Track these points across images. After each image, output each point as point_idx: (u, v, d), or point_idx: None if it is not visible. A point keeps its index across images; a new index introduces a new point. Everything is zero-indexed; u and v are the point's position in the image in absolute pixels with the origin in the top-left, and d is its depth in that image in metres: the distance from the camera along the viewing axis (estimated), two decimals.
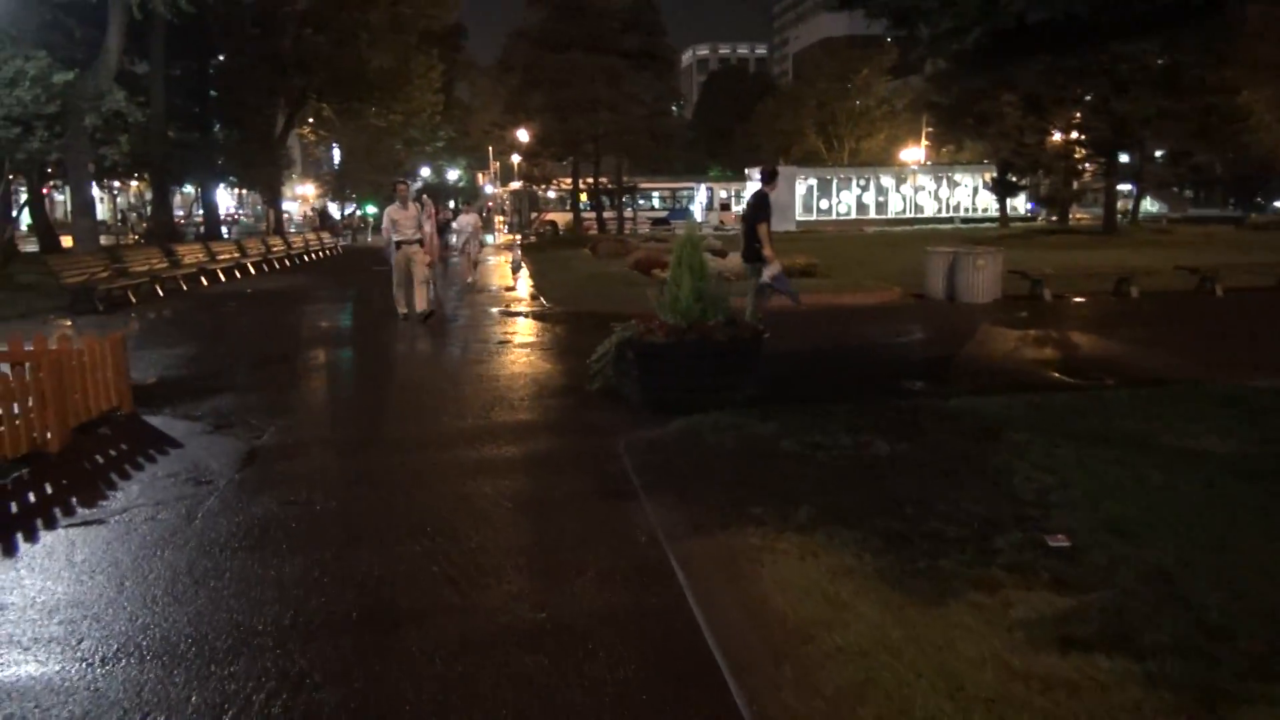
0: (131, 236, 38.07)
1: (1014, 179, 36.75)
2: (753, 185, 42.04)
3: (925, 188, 45.82)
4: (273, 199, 36.06)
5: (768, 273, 9.79)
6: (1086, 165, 33.16)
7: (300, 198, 62.61)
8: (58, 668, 3.04)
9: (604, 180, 39.70)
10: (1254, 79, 28.95)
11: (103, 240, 27.31)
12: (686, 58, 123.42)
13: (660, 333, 6.56)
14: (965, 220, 43.62)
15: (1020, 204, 44.71)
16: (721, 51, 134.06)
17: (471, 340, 10.48)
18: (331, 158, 52.86)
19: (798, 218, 41.71)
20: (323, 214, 48.76)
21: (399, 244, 11.66)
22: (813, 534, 3.98)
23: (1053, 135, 31.96)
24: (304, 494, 4.83)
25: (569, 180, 40.70)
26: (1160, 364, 8.35)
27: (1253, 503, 4.29)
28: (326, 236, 32.19)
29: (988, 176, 41.51)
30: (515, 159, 44.88)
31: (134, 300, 14.44)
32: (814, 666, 2.91)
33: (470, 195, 50.16)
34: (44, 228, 26.73)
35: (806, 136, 59.77)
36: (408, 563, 3.90)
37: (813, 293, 12.65)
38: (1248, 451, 5.12)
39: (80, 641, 3.22)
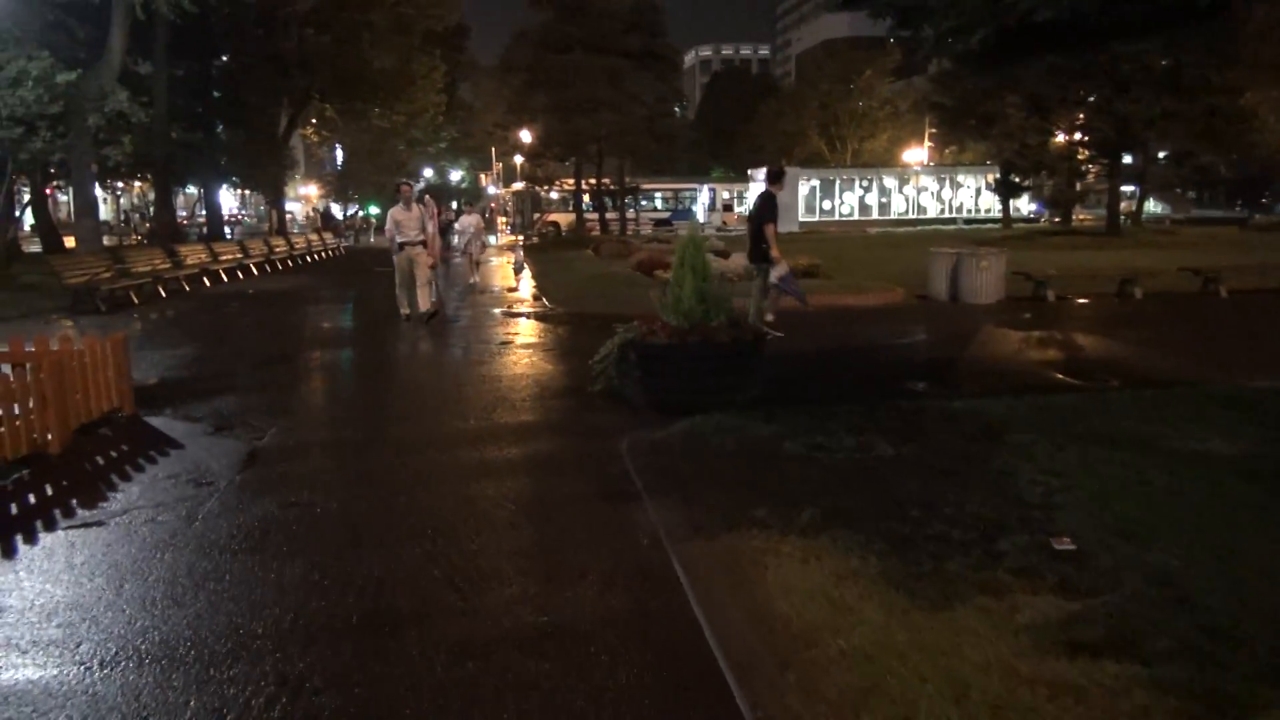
0: (134, 237, 38.14)
1: (1017, 180, 36.68)
2: (755, 186, 42.19)
3: (928, 189, 45.78)
4: (275, 199, 36.10)
5: (775, 274, 9.77)
6: (1090, 166, 33.10)
7: (304, 198, 62.70)
8: (55, 671, 3.01)
9: (606, 181, 39.69)
10: (1257, 80, 28.88)
11: (106, 240, 27.36)
12: (689, 58, 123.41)
13: (663, 334, 6.53)
14: (968, 221, 43.56)
15: (1023, 205, 44.65)
16: (724, 52, 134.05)
17: (474, 341, 10.46)
18: (334, 158, 52.93)
19: (800, 219, 41.69)
20: (325, 214, 48.80)
21: (402, 245, 11.65)
22: (816, 537, 3.95)
23: (1056, 136, 31.91)
24: (305, 496, 4.81)
25: (571, 181, 40.71)
26: (1164, 365, 8.31)
27: (1259, 505, 4.26)
28: (329, 237, 32.21)
29: (990, 178, 41.45)
30: (518, 160, 44.92)
31: (136, 301, 14.43)
32: (818, 671, 2.89)
33: (473, 196, 50.17)
34: (47, 228, 26.76)
35: (809, 138, 59.74)
36: (409, 565, 3.87)
37: (816, 293, 12.61)
38: (1253, 453, 5.09)
39: (79, 645, 3.20)
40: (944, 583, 3.48)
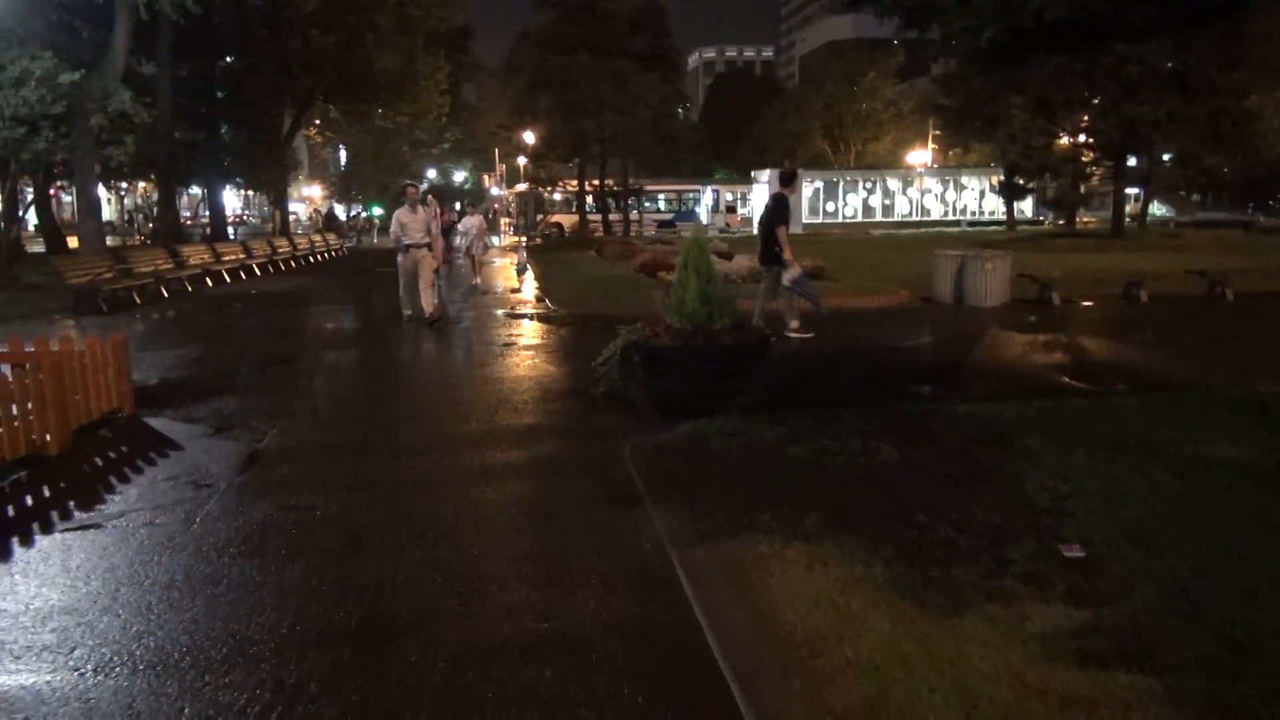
0: (138, 237, 38.18)
1: (1021, 182, 36.58)
2: (759, 188, 42.22)
3: (932, 191, 45.72)
4: (279, 200, 36.09)
5: (788, 276, 9.72)
6: (1094, 169, 32.99)
7: (307, 199, 62.74)
8: (49, 678, 2.97)
9: (610, 182, 39.64)
10: (1263, 82, 28.78)
11: (109, 241, 27.35)
12: (693, 60, 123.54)
13: (666, 336, 6.48)
14: (972, 223, 43.47)
15: (1027, 207, 44.53)
16: (728, 54, 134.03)
17: (476, 343, 10.42)
18: (338, 159, 52.96)
19: (804, 220, 41.65)
20: (329, 215, 48.81)
21: (407, 247, 11.60)
22: (822, 542, 3.90)
23: (1061, 138, 31.81)
24: (305, 498, 4.76)
25: (575, 182, 40.67)
26: (1171, 369, 8.24)
27: (1271, 511, 4.19)
28: (332, 238, 32.20)
29: (994, 180, 41.35)
30: (521, 161, 44.87)
31: (138, 301, 14.41)
32: (824, 681, 2.83)
33: (476, 197, 50.16)
34: (50, 228, 26.78)
35: (813, 139, 59.66)
36: (409, 570, 3.82)
37: (820, 295, 12.54)
38: (1263, 458, 5.03)
39: (73, 650, 3.15)
40: (951, 590, 3.42)
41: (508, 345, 10.08)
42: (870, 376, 8.27)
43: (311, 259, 26.57)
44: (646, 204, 45.24)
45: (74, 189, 22.93)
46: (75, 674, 2.99)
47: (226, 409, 6.87)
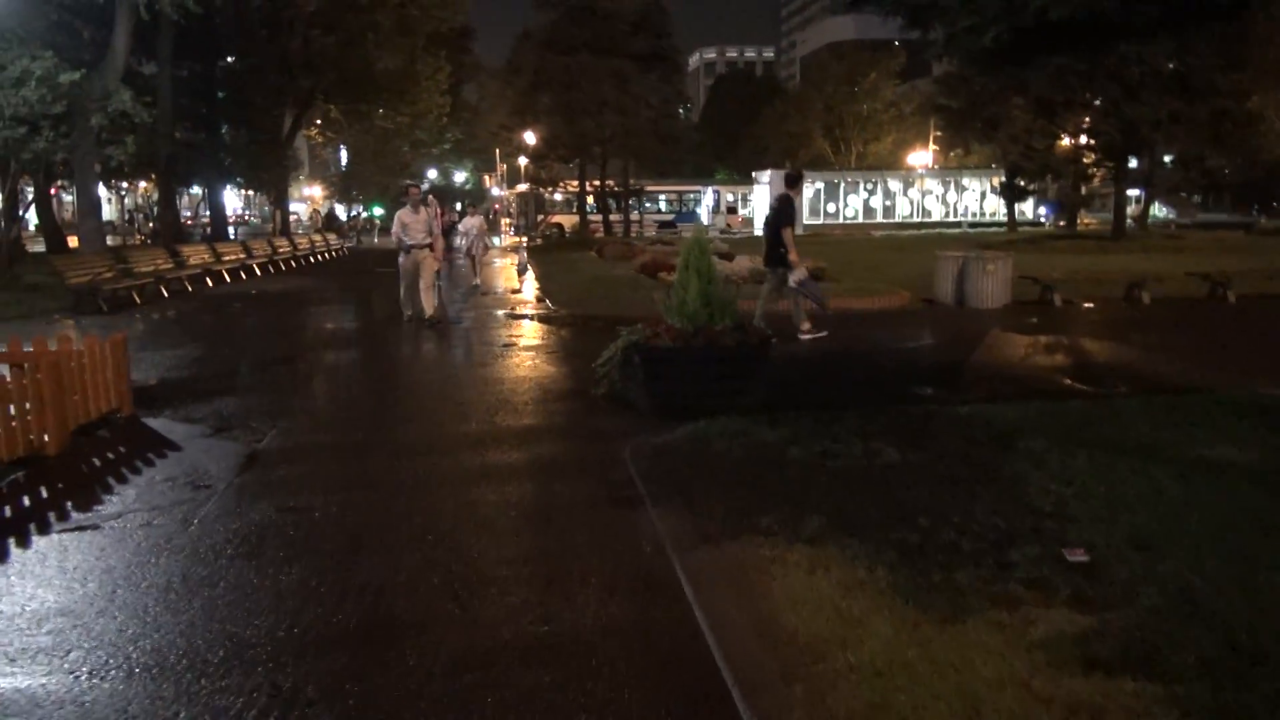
0: (138, 237, 38.17)
1: (1022, 183, 36.54)
2: (760, 189, 42.19)
3: (933, 192, 45.69)
4: (279, 200, 36.07)
5: (794, 278, 9.70)
6: (1096, 170, 32.95)
7: (308, 199, 62.74)
8: (43, 680, 2.94)
9: (610, 183, 39.62)
10: (1265, 83, 28.74)
11: (110, 241, 27.33)
12: (694, 61, 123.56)
13: (667, 337, 6.46)
14: (973, 225, 43.44)
15: (1028, 208, 44.49)
16: (729, 55, 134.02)
17: (476, 343, 10.40)
18: (339, 159, 52.94)
19: (805, 221, 41.59)
20: (329, 215, 48.79)
21: (409, 248, 11.54)
22: (824, 546, 3.87)
23: (1062, 139, 31.77)
24: (303, 500, 4.74)
25: (575, 183, 40.65)
26: (1174, 371, 8.22)
27: (1275, 514, 4.16)
28: (333, 238, 32.19)
29: (995, 181, 41.33)
30: (522, 161, 44.86)
31: (138, 301, 14.39)
32: (826, 687, 2.80)
33: (476, 197, 50.16)
34: (51, 228, 26.76)
35: (814, 140, 59.64)
36: (408, 572, 3.80)
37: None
38: (1267, 461, 5.00)
39: (68, 652, 3.12)
40: (955, 595, 3.39)
41: (508, 346, 10.05)
42: (871, 378, 8.24)
43: (312, 259, 26.55)
44: (647, 205, 45.23)
45: (74, 189, 22.90)
46: (71, 677, 2.96)
47: (226, 409, 6.85)
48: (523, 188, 46.97)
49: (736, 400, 6.27)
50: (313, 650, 3.13)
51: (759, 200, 42.71)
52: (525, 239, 34.51)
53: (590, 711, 2.76)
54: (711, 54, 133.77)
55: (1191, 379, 7.68)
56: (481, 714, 2.75)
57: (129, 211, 51.17)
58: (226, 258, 20.12)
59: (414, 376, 8.80)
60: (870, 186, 45.54)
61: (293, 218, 44.60)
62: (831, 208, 44.58)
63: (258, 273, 20.92)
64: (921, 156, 53.74)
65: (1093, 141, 30.29)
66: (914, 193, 45.68)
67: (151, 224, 38.11)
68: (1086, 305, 13.22)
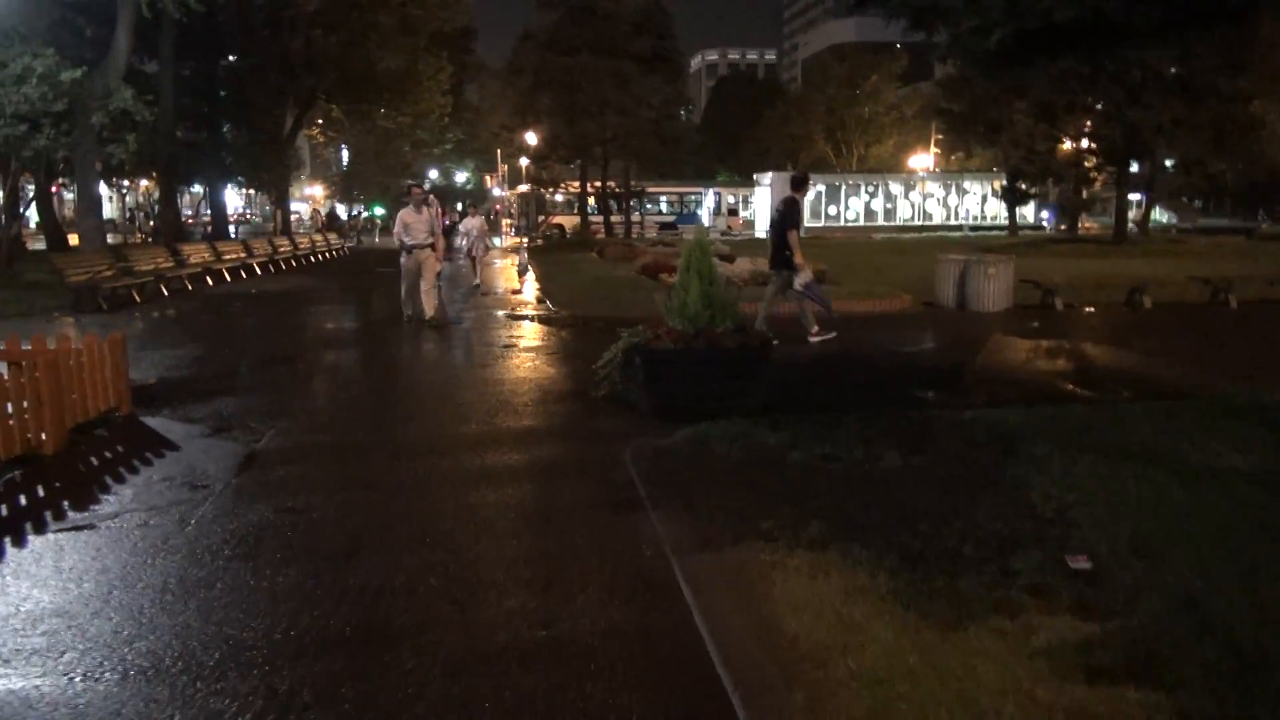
0: (139, 235, 38.16)
1: (1024, 187, 36.52)
2: (761, 190, 42.15)
3: (934, 195, 45.67)
4: (280, 199, 36.05)
5: (799, 281, 9.69)
6: (1097, 174, 32.92)
7: (309, 198, 62.73)
8: (37, 682, 2.91)
9: (612, 184, 39.59)
10: (1267, 87, 28.71)
11: (110, 239, 27.31)
12: (695, 62, 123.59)
13: (668, 339, 6.43)
14: (974, 228, 43.41)
15: (1029, 212, 44.46)
16: (730, 57, 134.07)
17: (476, 344, 10.37)
18: (340, 159, 52.93)
19: (806, 224, 41.48)
20: (330, 215, 48.77)
21: (410, 248, 11.50)
22: (825, 550, 3.84)
23: (1064, 143, 31.75)
24: (301, 501, 4.71)
25: (577, 183, 40.63)
26: (1176, 376, 8.19)
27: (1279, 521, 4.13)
28: (333, 238, 32.18)
29: (997, 184, 41.30)
30: (523, 162, 44.84)
31: (138, 299, 14.36)
32: (827, 693, 2.78)
33: (477, 198, 50.14)
34: (52, 226, 26.74)
35: (815, 142, 59.61)
36: (406, 575, 3.77)
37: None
38: (1271, 467, 4.97)
39: (62, 654, 3.10)
40: (957, 601, 3.37)
41: (508, 347, 10.03)
42: (873, 381, 8.22)
43: (312, 258, 26.53)
44: (648, 206, 45.22)
45: (75, 186, 22.88)
46: (64, 679, 2.94)
47: (225, 409, 6.82)
48: (524, 188, 46.94)
49: (737, 402, 6.24)
50: (309, 653, 3.11)
51: (760, 202, 42.68)
52: (526, 239, 34.49)
53: (589, 716, 2.74)
54: (713, 56, 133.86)
55: (1194, 384, 7.66)
56: (479, 718, 2.73)
57: (130, 210, 51.17)
58: (227, 257, 20.09)
59: (414, 377, 8.78)
60: (871, 189, 45.52)
61: (294, 217, 44.59)
62: (832, 210, 44.56)
63: (258, 272, 20.89)
64: (923, 159, 53.73)
65: (1094, 145, 30.26)
66: (915, 196, 45.66)
67: (152, 222, 38.09)
68: (1088, 309, 13.20)
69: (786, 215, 9.86)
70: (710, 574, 3.74)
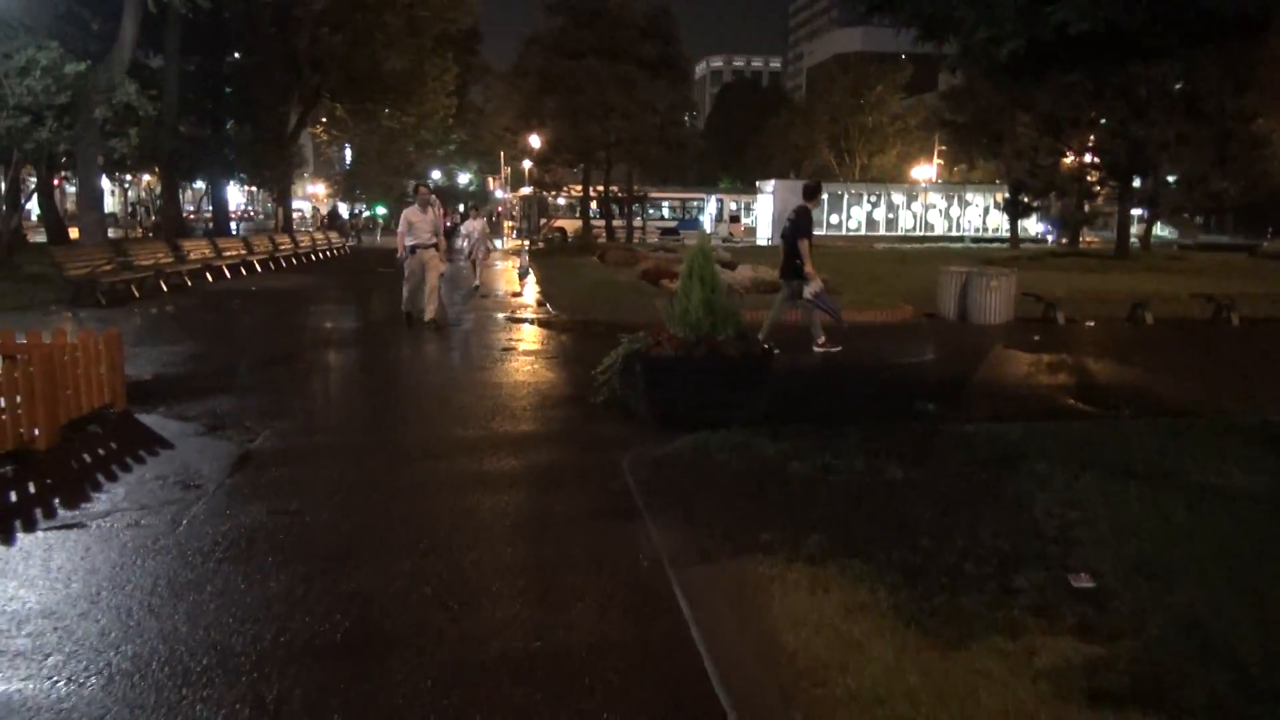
0: (140, 230, 38.10)
1: (1026, 200, 36.52)
2: (764, 198, 42.15)
3: (936, 206, 45.67)
4: (283, 197, 36.01)
5: (809, 290, 9.67)
6: (1100, 188, 32.91)
7: (311, 196, 62.70)
8: (20, 685, 2.85)
9: (614, 188, 39.58)
10: (1271, 106, 28.72)
11: (111, 233, 27.25)
12: (700, 69, 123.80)
13: (669, 345, 6.38)
14: (975, 240, 43.42)
15: (1030, 225, 44.46)
16: (735, 64, 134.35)
17: (475, 347, 10.32)
18: (343, 158, 52.93)
19: None
20: (332, 214, 48.74)
21: (413, 248, 11.41)
22: (825, 565, 3.79)
23: (1067, 157, 31.74)
24: (295, 503, 4.65)
25: (579, 187, 40.61)
26: (1179, 393, 8.15)
27: None
28: (334, 236, 32.14)
29: (999, 197, 41.30)
30: (526, 164, 44.83)
31: (137, 295, 14.30)
32: (825, 713, 2.72)
33: (479, 200, 50.14)
34: (53, 219, 26.67)
35: (819, 151, 59.69)
36: (398, 581, 3.71)
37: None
38: (1276, 487, 4.92)
39: (47, 657, 3.04)
40: (958, 619, 3.31)
41: (507, 350, 9.97)
42: (874, 392, 8.17)
43: (313, 257, 26.49)
44: (650, 211, 45.20)
45: (77, 180, 22.81)
46: (48, 682, 2.88)
47: (220, 408, 6.76)
48: (526, 191, 46.93)
49: (738, 411, 6.19)
50: (299, 660, 3.05)
51: (762, 209, 42.69)
52: (527, 242, 34.46)
53: None
54: (718, 62, 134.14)
55: (1196, 401, 7.61)
56: None
57: (131, 204, 51.10)
58: (227, 253, 20.03)
59: (411, 379, 8.72)
60: (874, 199, 45.52)
61: (296, 215, 44.55)
62: (834, 219, 44.53)
63: (258, 269, 20.84)
64: (925, 170, 53.76)
65: (1098, 160, 30.24)
66: (917, 206, 45.66)
67: (153, 217, 38.04)
68: (1089, 324, 13.16)
69: (798, 224, 9.84)
70: (708, 586, 3.69)
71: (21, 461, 5.20)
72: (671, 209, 46.76)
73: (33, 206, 29.43)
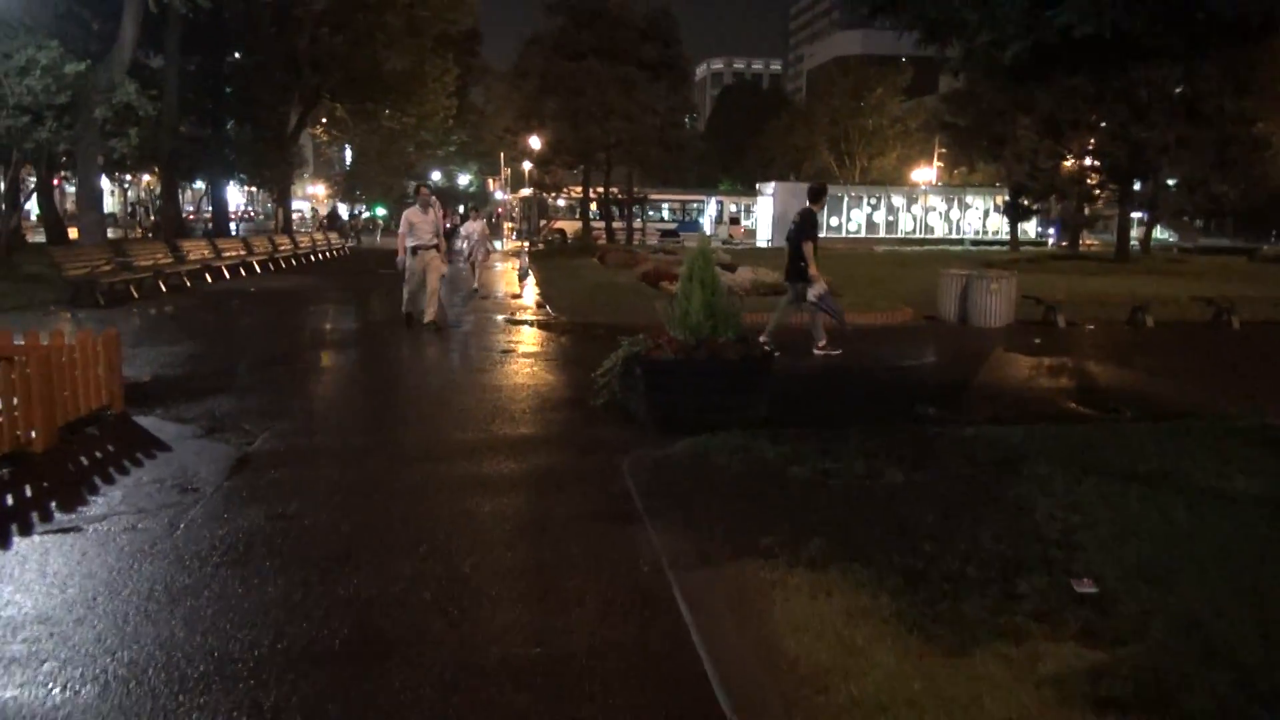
0: (139, 230, 38.07)
1: (1026, 203, 36.54)
2: (763, 200, 42.16)
3: (936, 208, 45.68)
4: (282, 198, 36.00)
5: (813, 292, 9.67)
6: (1100, 191, 32.93)
7: (311, 197, 62.68)
8: (15, 692, 2.83)
9: (614, 190, 39.56)
10: (1271, 109, 28.73)
11: (111, 233, 27.23)
12: (700, 71, 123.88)
13: (669, 348, 6.36)
14: (975, 243, 43.43)
15: (1030, 228, 44.48)
16: (736, 66, 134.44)
17: (475, 349, 10.29)
18: (343, 158, 52.90)
19: None
20: (332, 215, 48.71)
21: (415, 249, 11.36)
22: (826, 569, 3.76)
23: (1068, 160, 31.75)
24: (293, 506, 4.62)
25: (579, 189, 40.60)
26: (1180, 397, 8.13)
27: None
28: (334, 237, 32.11)
29: (999, 199, 41.32)
30: (526, 166, 44.82)
31: (136, 295, 14.28)
32: None
33: (479, 201, 50.12)
34: (52, 219, 26.66)
35: (819, 153, 59.68)
36: (398, 585, 3.69)
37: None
38: (1277, 490, 4.90)
39: (42, 663, 3.01)
40: (960, 625, 3.29)
41: (507, 352, 9.95)
42: (874, 395, 8.15)
43: (313, 258, 26.47)
44: (650, 213, 45.18)
45: (76, 180, 22.79)
46: (43, 689, 2.85)
47: (218, 409, 6.74)
48: (526, 192, 46.91)
49: (738, 414, 6.17)
50: (296, 667, 3.02)
51: (762, 211, 42.68)
52: (527, 244, 34.44)
53: None
54: (719, 64, 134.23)
55: (1196, 404, 7.59)
56: None
57: (131, 205, 51.08)
58: (226, 254, 20.01)
59: (411, 381, 8.69)
60: (874, 201, 45.53)
61: (296, 216, 44.51)
62: (834, 222, 44.53)
63: (258, 270, 20.82)
64: (925, 173, 53.77)
65: (1098, 163, 30.25)
66: (917, 209, 45.67)
67: (153, 218, 38.02)
68: (1090, 327, 13.14)
69: (803, 226, 9.86)
70: (709, 591, 3.66)
71: (18, 464, 5.17)
72: (671, 211, 46.74)
73: (32, 206, 29.40)
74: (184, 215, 35.50)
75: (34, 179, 25.13)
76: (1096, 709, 2.75)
